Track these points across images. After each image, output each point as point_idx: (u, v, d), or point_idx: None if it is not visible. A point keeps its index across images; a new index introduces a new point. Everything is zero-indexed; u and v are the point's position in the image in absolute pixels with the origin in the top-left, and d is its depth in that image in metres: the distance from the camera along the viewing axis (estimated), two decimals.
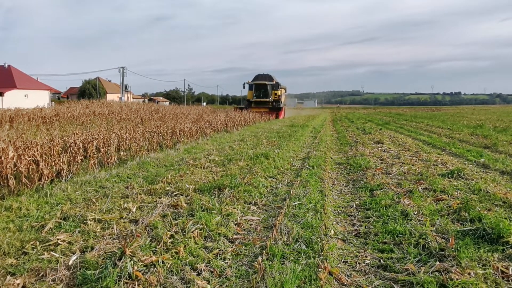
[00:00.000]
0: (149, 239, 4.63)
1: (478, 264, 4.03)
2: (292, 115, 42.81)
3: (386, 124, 26.61)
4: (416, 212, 5.77)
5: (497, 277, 3.77)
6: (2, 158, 6.97)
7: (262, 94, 37.69)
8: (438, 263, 4.05)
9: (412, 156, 11.09)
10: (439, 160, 10.21)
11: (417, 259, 4.24)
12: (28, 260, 4.13)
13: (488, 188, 6.95)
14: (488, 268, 3.93)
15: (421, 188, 7.15)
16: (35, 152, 7.80)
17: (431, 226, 5.17)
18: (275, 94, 37.91)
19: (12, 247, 4.41)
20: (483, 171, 8.93)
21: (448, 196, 6.60)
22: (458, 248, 4.32)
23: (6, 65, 57.58)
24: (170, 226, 5.06)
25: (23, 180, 7.14)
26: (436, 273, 3.88)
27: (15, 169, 7.20)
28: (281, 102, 38.55)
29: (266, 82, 37.64)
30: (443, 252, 4.32)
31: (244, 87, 39.34)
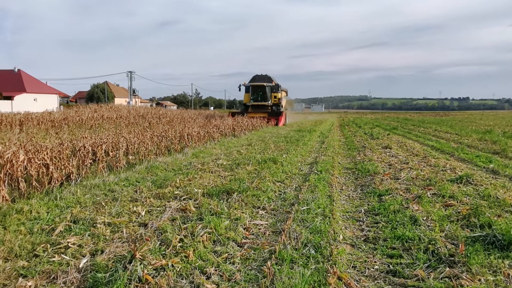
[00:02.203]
0: (158, 242, 4.66)
1: (489, 271, 4.01)
2: (299, 120, 42.57)
3: (394, 129, 26.50)
4: (425, 217, 5.75)
5: (508, 284, 3.75)
6: (13, 161, 7.04)
7: (260, 97, 33.29)
8: (448, 269, 4.04)
9: (420, 162, 11.04)
10: (447, 165, 10.16)
11: (426, 264, 4.23)
12: (40, 263, 4.17)
13: (498, 194, 6.90)
14: (498, 275, 3.91)
15: (430, 194, 7.12)
16: (45, 155, 7.86)
17: (440, 231, 5.15)
18: (275, 97, 33.61)
19: (23, 250, 4.46)
20: (493, 177, 8.87)
21: (457, 202, 6.57)
22: (468, 254, 4.30)
23: (16, 70, 58.32)
24: (179, 230, 5.09)
25: (34, 183, 7.21)
26: (446, 279, 3.86)
27: (25, 172, 7.27)
28: (282, 106, 34.36)
29: (265, 84, 33.15)
30: (452, 258, 4.30)
31: (240, 90, 34.38)
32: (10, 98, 51.57)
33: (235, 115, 30.40)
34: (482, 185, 7.70)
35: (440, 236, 4.94)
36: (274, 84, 33.72)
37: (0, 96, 51.27)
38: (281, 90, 35.16)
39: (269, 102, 33.35)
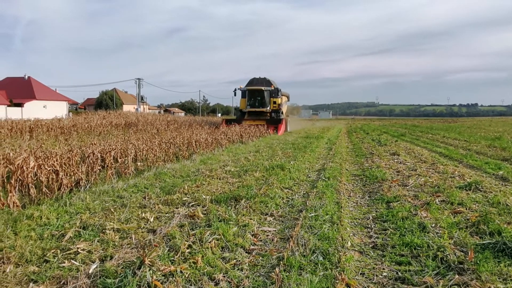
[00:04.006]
0: (167, 249, 4.68)
1: (499, 278, 3.97)
2: (306, 127, 42.45)
3: (402, 136, 26.38)
4: (433, 224, 5.72)
5: None
6: (24, 168, 7.13)
7: (258, 103, 30.15)
8: (457, 276, 4.01)
9: (428, 168, 10.98)
10: (456, 172, 10.09)
11: (435, 272, 4.20)
12: (50, 268, 4.21)
13: (508, 201, 6.85)
14: (509, 283, 3.88)
15: (439, 201, 7.08)
16: (54, 162, 7.95)
17: (449, 239, 5.12)
18: (274, 102, 30.33)
19: (34, 255, 4.51)
20: (502, 183, 8.80)
21: (466, 209, 6.53)
22: (478, 262, 4.27)
23: (26, 77, 59.03)
24: (187, 236, 5.11)
25: (43, 189, 7.29)
26: (455, 286, 3.84)
27: (35, 178, 7.36)
28: (282, 113, 31.01)
29: (263, 88, 29.96)
30: (462, 266, 4.27)
31: (235, 94, 31.04)
32: (20, 105, 52.23)
33: (229, 122, 27.68)
34: (492, 192, 7.64)
35: (449, 243, 4.91)
36: (273, 88, 30.68)
37: (10, 103, 51.92)
38: (282, 95, 32.08)
39: (268, 108, 30.37)
